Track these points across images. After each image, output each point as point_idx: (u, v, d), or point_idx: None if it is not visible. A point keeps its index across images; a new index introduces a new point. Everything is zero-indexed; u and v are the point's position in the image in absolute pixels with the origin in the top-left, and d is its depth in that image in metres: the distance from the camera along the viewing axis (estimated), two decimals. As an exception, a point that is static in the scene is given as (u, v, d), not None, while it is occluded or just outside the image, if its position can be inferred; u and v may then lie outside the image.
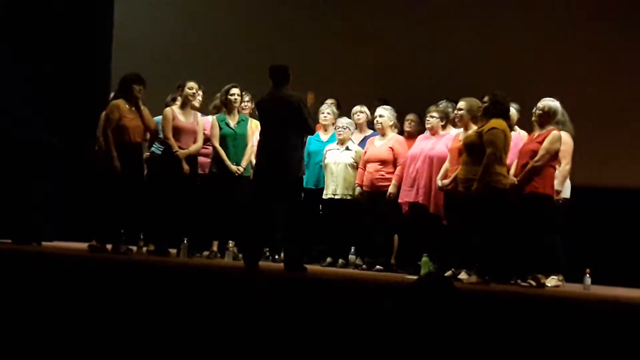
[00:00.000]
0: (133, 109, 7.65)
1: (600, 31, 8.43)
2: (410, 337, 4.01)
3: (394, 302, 4.50)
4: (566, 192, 7.14)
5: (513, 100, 7.16)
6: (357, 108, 8.45)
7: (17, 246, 7.78)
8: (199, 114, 8.05)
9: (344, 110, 8.73)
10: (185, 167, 7.73)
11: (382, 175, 7.92)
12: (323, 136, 8.47)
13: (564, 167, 6.97)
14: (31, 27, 9.66)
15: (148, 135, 7.98)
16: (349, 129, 8.25)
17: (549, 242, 6.73)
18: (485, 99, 6.79)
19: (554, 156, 6.77)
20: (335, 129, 8.34)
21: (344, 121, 8.28)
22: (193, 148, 7.84)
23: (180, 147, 7.75)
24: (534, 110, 6.95)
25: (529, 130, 7.12)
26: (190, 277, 5.91)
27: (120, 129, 7.56)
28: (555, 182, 6.86)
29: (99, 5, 10.46)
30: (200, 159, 8.08)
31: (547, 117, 6.86)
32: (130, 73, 7.79)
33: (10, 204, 8.30)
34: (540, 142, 6.77)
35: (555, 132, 6.78)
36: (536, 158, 6.72)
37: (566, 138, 6.99)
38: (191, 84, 7.91)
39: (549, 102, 6.91)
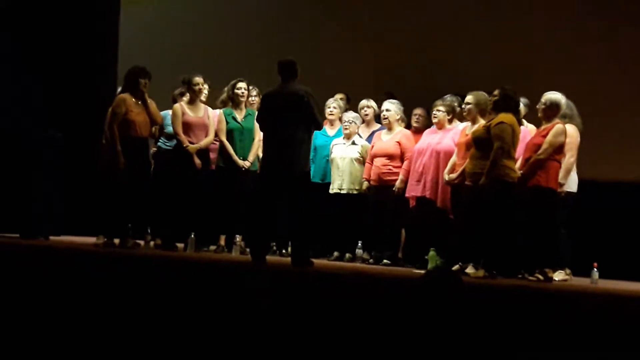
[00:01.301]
0: (139, 102, 7.65)
1: (605, 25, 8.40)
2: (417, 331, 4.00)
3: (401, 297, 4.50)
4: (573, 187, 7.12)
5: (519, 94, 7.14)
6: (364, 102, 8.44)
7: (24, 241, 7.80)
8: (209, 108, 8.05)
9: (353, 105, 8.71)
10: (197, 161, 7.74)
11: (390, 169, 7.91)
12: (329, 131, 8.46)
13: (568, 159, 6.94)
14: (37, 21, 9.65)
15: (155, 129, 7.99)
16: (355, 123, 8.24)
17: (556, 237, 6.72)
18: (495, 92, 6.78)
19: (557, 149, 6.75)
20: (341, 123, 8.33)
21: (349, 115, 8.28)
22: (203, 142, 7.85)
23: (190, 142, 7.76)
24: (538, 105, 6.94)
25: (539, 126, 7.09)
26: (198, 271, 5.92)
27: (126, 123, 7.56)
28: (559, 174, 6.84)
29: (105, -1, 10.47)
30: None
31: (551, 111, 6.85)
32: (135, 66, 7.79)
33: (17, 198, 8.32)
34: (545, 136, 6.76)
35: (559, 125, 6.77)
36: (539, 151, 6.71)
37: (572, 131, 6.97)
38: (196, 79, 7.90)
39: (552, 96, 6.89)
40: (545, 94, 6.93)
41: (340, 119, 8.46)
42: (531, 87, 7.52)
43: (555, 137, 6.73)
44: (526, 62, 8.56)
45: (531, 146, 6.85)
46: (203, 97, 8.08)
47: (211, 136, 7.92)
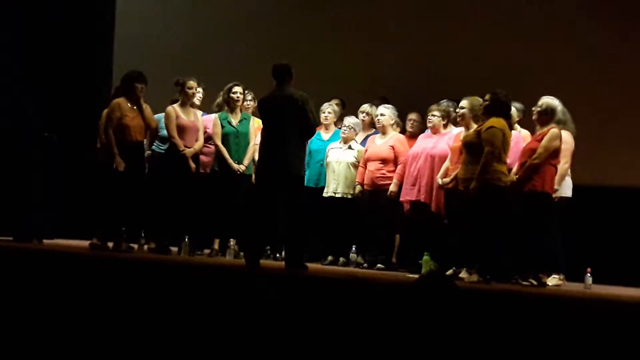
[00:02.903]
0: (134, 107, 7.65)
1: (601, 30, 8.42)
2: (411, 335, 4.01)
3: (395, 301, 4.50)
4: (567, 191, 7.13)
5: (514, 99, 7.15)
6: (366, 107, 8.40)
7: (17, 243, 7.79)
8: (199, 112, 8.05)
9: (347, 110, 8.70)
10: (192, 165, 7.75)
11: (383, 173, 7.91)
12: (324, 135, 8.46)
13: (562, 165, 6.95)
14: (33, 22, 9.65)
15: (148, 133, 7.98)
16: (354, 130, 8.23)
17: (550, 241, 6.72)
18: (486, 97, 6.79)
19: (553, 154, 6.75)
20: (341, 127, 8.32)
21: (350, 121, 8.25)
22: (197, 146, 7.85)
23: (185, 146, 7.76)
24: (533, 108, 6.95)
25: (532, 131, 7.10)
26: (191, 275, 5.92)
27: (121, 127, 7.56)
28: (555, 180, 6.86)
29: (101, 0, 10.47)
30: (202, 157, 8.08)
31: (547, 116, 6.86)
32: (132, 71, 7.78)
33: (11, 201, 8.30)
34: (540, 141, 6.76)
35: (554, 130, 6.78)
36: (534, 155, 6.71)
37: (566, 137, 6.98)
38: (190, 82, 7.90)
39: (548, 100, 6.90)
40: (542, 97, 6.94)
41: (335, 124, 8.46)
42: (527, 93, 7.52)
43: (550, 141, 6.74)
44: (522, 68, 8.56)
45: (526, 151, 6.85)
46: (197, 101, 8.08)
47: (201, 140, 7.93)
